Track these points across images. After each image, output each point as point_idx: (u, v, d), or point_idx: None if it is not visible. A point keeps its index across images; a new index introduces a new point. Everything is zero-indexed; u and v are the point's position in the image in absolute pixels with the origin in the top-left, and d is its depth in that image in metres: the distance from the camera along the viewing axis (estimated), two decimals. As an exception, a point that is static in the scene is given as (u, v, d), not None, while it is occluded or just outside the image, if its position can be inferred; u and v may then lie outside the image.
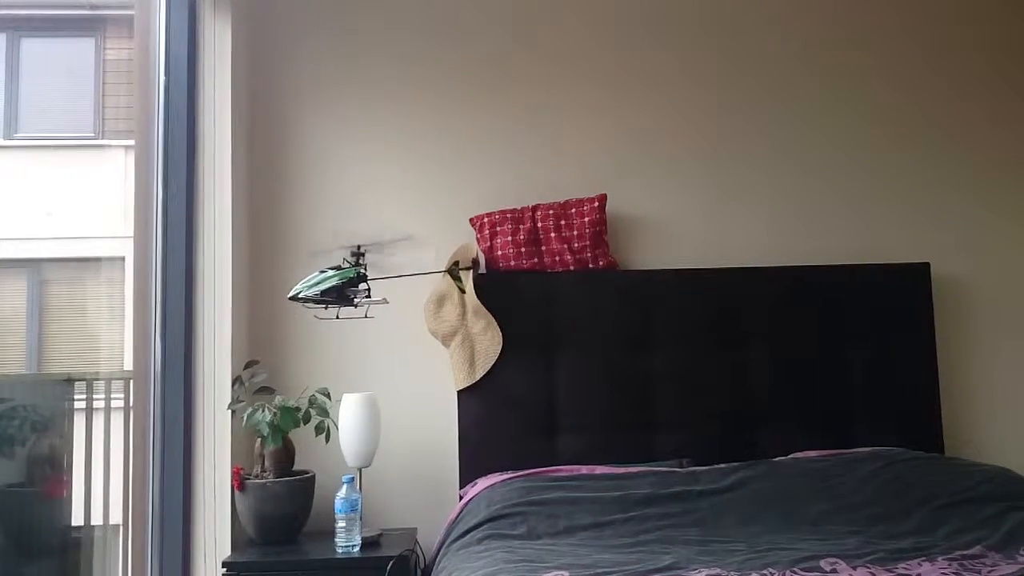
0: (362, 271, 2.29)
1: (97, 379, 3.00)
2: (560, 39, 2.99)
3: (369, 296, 2.28)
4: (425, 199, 2.90)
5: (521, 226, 2.80)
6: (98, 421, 2.93)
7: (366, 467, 2.57)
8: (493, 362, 2.70)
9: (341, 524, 2.39)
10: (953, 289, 2.95)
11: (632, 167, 2.95)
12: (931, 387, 2.82)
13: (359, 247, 2.28)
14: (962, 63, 3.07)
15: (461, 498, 2.56)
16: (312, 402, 2.54)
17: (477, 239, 2.83)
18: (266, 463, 2.51)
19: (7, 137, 3.66)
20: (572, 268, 2.79)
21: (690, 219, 2.94)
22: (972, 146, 3.04)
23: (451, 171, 2.92)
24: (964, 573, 1.75)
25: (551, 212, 2.81)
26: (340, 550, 2.38)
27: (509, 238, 2.78)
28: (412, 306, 2.80)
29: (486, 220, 2.82)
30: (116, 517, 2.91)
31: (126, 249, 2.71)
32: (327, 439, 2.54)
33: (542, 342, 2.75)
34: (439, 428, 2.79)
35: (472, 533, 2.20)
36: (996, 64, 3.08)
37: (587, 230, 2.79)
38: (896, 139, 3.02)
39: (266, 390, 2.63)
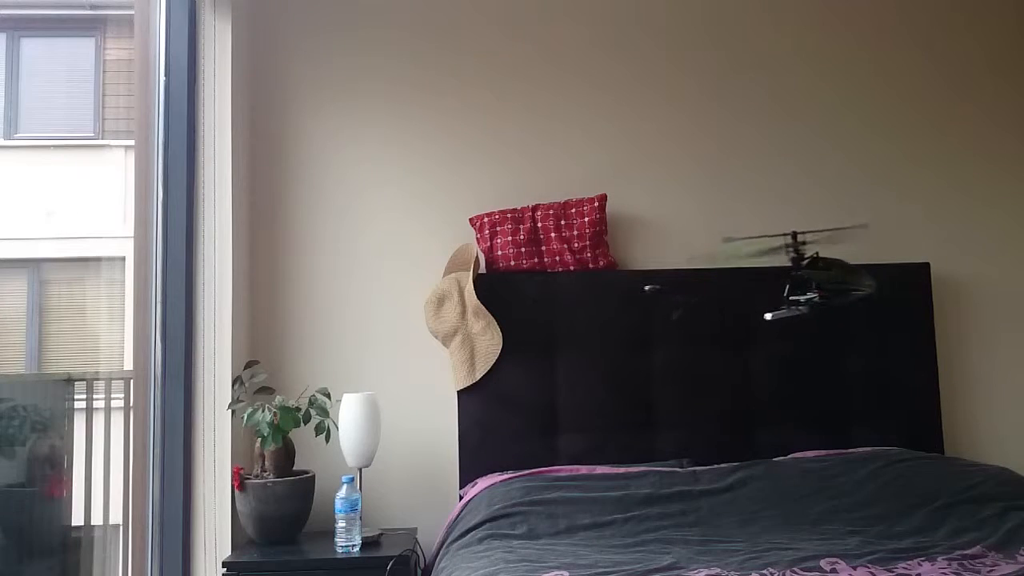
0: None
1: (97, 379, 3.00)
2: (560, 40, 2.99)
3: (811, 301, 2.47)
4: (425, 199, 2.90)
5: (521, 226, 2.80)
6: (98, 421, 2.93)
7: (366, 467, 2.58)
8: (493, 362, 2.70)
9: (341, 524, 2.39)
10: (953, 289, 2.95)
11: (632, 167, 2.95)
12: (931, 387, 2.81)
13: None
14: (962, 63, 3.07)
15: (461, 498, 2.56)
16: (312, 402, 2.54)
17: (477, 239, 2.83)
18: (266, 463, 2.51)
19: (7, 137, 3.66)
20: (572, 268, 2.79)
21: (690, 219, 2.94)
22: (972, 146, 3.04)
23: (451, 171, 2.92)
24: (964, 573, 1.75)
25: (551, 212, 2.81)
26: (340, 550, 2.38)
27: (509, 238, 2.78)
28: (412, 306, 2.81)
29: (486, 220, 2.82)
30: (116, 517, 2.91)
31: (126, 249, 2.71)
32: (327, 439, 2.54)
33: (542, 342, 2.75)
34: (439, 428, 2.79)
35: (472, 533, 2.20)
36: (996, 64, 3.08)
37: (587, 230, 2.79)
38: (896, 139, 3.02)
39: (266, 390, 2.63)
